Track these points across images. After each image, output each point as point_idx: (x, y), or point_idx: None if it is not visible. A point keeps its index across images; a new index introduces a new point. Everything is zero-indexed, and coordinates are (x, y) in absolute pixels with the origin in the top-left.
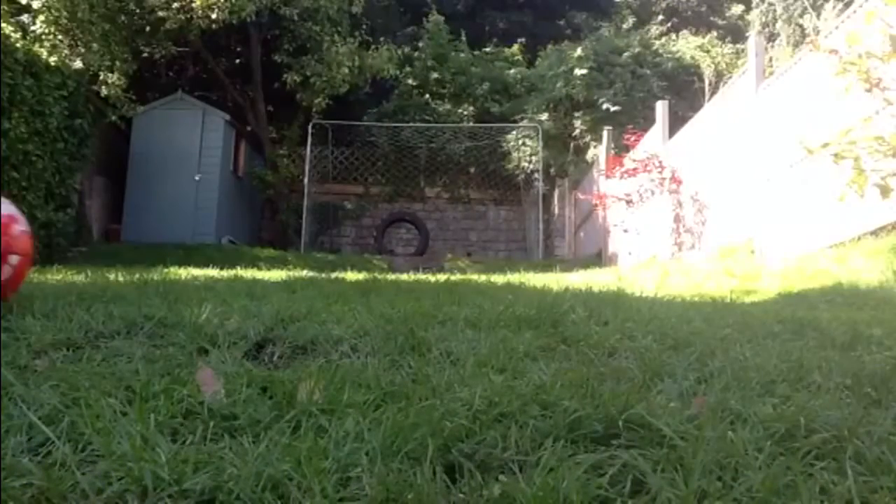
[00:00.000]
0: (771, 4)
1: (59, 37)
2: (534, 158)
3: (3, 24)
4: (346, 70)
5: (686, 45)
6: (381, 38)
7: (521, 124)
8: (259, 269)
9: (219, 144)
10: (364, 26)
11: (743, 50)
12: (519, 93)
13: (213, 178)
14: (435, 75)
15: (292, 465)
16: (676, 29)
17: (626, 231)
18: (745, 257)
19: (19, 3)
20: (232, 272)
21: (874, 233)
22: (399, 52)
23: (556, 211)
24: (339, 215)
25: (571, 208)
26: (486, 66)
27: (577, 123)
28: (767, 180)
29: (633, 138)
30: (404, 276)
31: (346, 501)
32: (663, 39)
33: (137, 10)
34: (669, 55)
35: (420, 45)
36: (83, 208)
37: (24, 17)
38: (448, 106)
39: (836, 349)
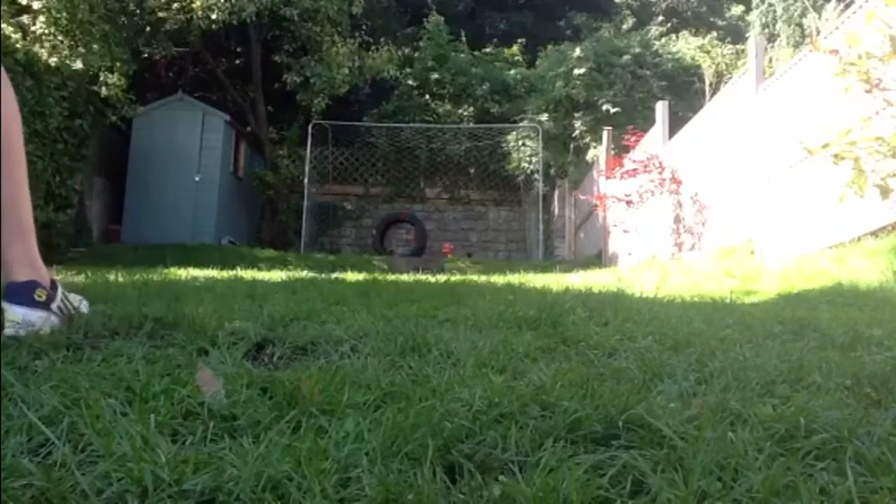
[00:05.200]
0: (771, 5)
1: (60, 38)
2: (534, 159)
3: (4, 25)
4: (347, 71)
5: (686, 46)
6: (382, 39)
7: (521, 125)
8: (259, 269)
9: (219, 145)
10: (364, 27)
11: (743, 50)
12: (519, 93)
13: (213, 178)
14: (435, 76)
15: (292, 466)
16: (676, 29)
17: (626, 231)
18: (745, 258)
19: (19, 4)
20: (232, 273)
21: (874, 233)
22: (399, 52)
23: (556, 211)
24: (338, 216)
25: (571, 209)
26: (486, 66)
27: (577, 124)
28: (767, 181)
29: (633, 139)
30: (404, 277)
31: (346, 502)
32: (663, 40)
33: (138, 11)
34: (669, 56)
35: (420, 45)
36: (83, 209)
37: (25, 18)
38: (448, 106)
39: (836, 350)
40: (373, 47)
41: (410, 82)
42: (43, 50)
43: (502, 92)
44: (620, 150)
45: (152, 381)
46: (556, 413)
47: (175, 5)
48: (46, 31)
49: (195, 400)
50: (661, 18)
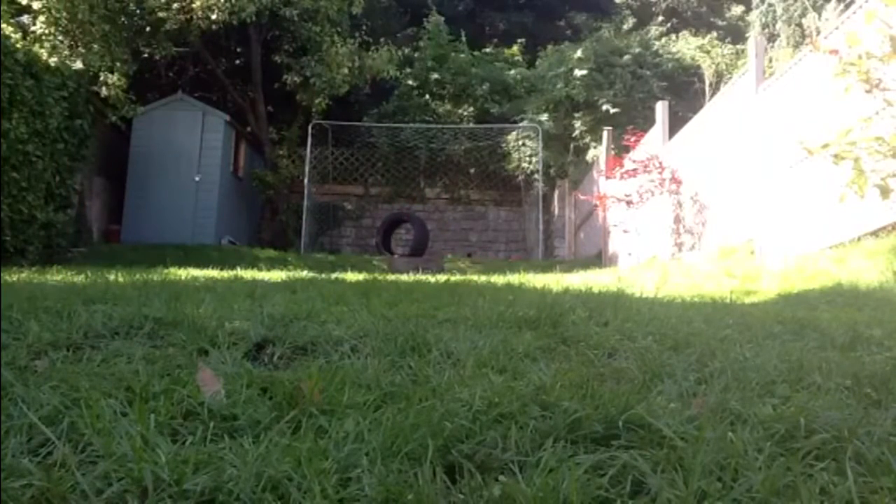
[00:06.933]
0: (771, 5)
1: (60, 38)
2: (534, 159)
3: (4, 25)
4: (346, 71)
5: (686, 46)
6: (382, 39)
7: (521, 125)
8: (259, 269)
9: (219, 145)
10: (364, 27)
11: (743, 50)
12: (519, 93)
13: (213, 178)
14: (435, 76)
15: (292, 466)
16: (676, 30)
17: (626, 231)
18: (745, 258)
19: (19, 4)
20: (232, 273)
21: (874, 233)
22: (399, 52)
23: (556, 211)
24: (338, 216)
25: (571, 209)
26: (486, 66)
27: (577, 124)
28: (767, 181)
29: (633, 139)
30: (404, 277)
31: (346, 502)
32: (663, 40)
33: (138, 11)
34: (669, 56)
35: (420, 45)
36: (83, 209)
37: (25, 18)
38: (448, 106)
39: (836, 350)
40: (373, 47)
41: (410, 82)
42: (43, 50)
43: (502, 92)
44: (620, 150)
45: (152, 381)
46: (556, 413)
47: (175, 5)
48: (46, 32)
49: (195, 400)
50: (661, 18)
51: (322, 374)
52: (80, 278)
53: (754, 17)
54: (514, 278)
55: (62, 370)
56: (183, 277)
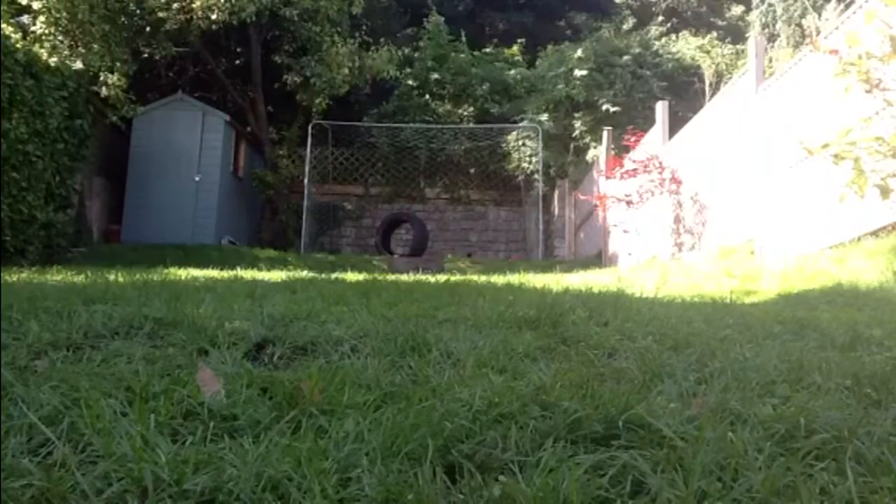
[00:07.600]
0: (771, 5)
1: (60, 38)
2: (534, 159)
3: (4, 25)
4: (347, 71)
5: (686, 46)
6: (382, 39)
7: (521, 125)
8: (259, 269)
9: (219, 145)
10: (364, 27)
11: (743, 50)
12: (519, 93)
13: (213, 178)
14: (435, 76)
15: (292, 466)
16: (676, 30)
17: (626, 231)
18: (745, 258)
19: (19, 4)
20: (232, 273)
21: (874, 233)
22: (399, 52)
23: (556, 211)
24: (338, 216)
25: (571, 209)
26: (486, 66)
27: (577, 124)
28: (767, 181)
29: (633, 139)
30: (404, 277)
31: (346, 502)
32: (663, 40)
33: (138, 11)
34: (669, 56)
35: (420, 45)
36: (83, 209)
37: (25, 18)
38: (448, 106)
39: (836, 350)
40: (373, 47)
41: (410, 82)
42: (43, 50)
43: (502, 92)
44: (620, 150)
45: (152, 381)
46: (556, 413)
47: (175, 5)
48: (46, 32)
49: (195, 400)
50: (661, 18)
51: (322, 374)
52: (80, 278)
53: (754, 17)
54: (514, 278)
55: (62, 370)
56: (183, 277)
